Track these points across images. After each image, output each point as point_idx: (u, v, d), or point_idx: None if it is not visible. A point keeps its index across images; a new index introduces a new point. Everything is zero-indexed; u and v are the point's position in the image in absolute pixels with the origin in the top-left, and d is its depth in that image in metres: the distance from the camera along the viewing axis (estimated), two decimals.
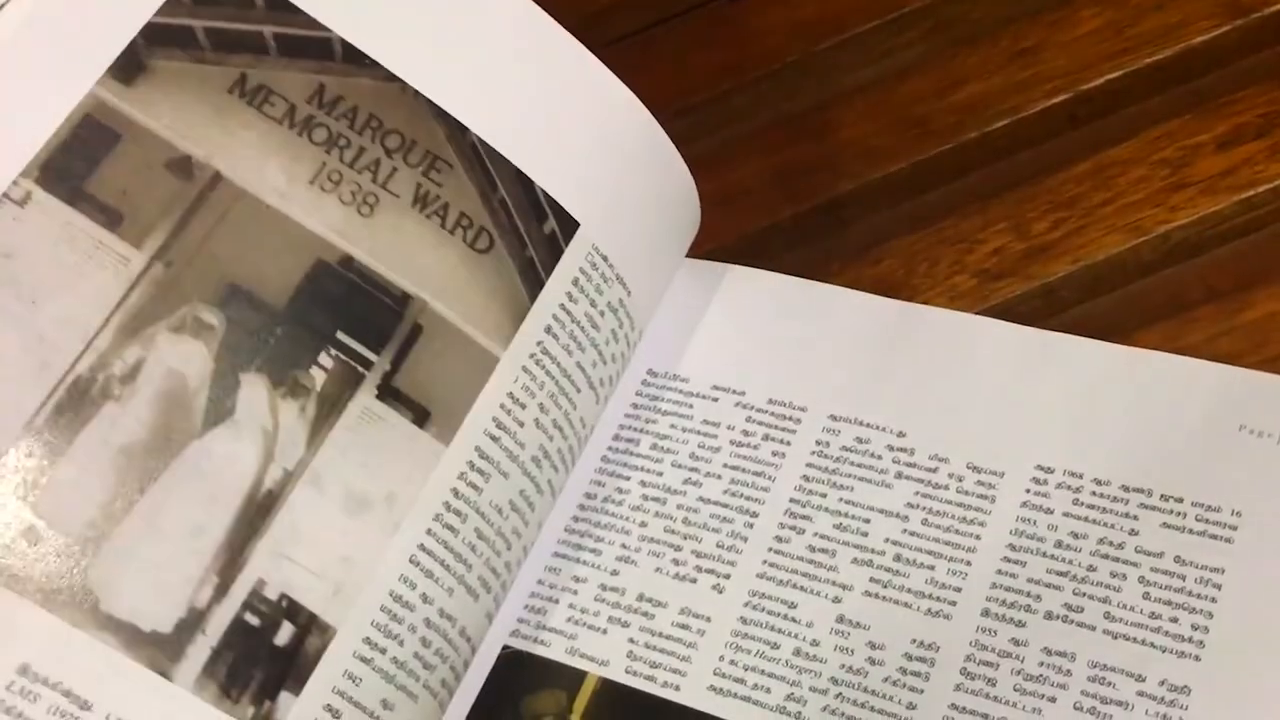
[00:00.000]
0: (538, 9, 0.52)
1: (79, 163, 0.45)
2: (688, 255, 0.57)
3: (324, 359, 0.47)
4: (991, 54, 0.61)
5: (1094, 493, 0.50)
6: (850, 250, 0.58)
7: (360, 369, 0.47)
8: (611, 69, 0.53)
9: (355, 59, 0.49)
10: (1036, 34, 0.61)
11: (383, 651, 0.45)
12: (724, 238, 0.59)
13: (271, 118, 0.48)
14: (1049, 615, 0.48)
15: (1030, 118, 0.59)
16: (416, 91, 0.50)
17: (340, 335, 0.47)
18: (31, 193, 0.45)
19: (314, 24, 0.49)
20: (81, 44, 0.46)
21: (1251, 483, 0.49)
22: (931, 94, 0.61)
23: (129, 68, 0.47)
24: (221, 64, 0.48)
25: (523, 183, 0.51)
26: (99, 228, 0.45)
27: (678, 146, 0.54)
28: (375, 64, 0.50)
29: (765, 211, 0.60)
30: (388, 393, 0.47)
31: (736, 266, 0.58)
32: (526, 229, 0.50)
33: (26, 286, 0.44)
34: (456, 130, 0.50)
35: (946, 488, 0.52)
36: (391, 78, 0.50)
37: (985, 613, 0.49)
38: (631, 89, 0.53)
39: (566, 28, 0.53)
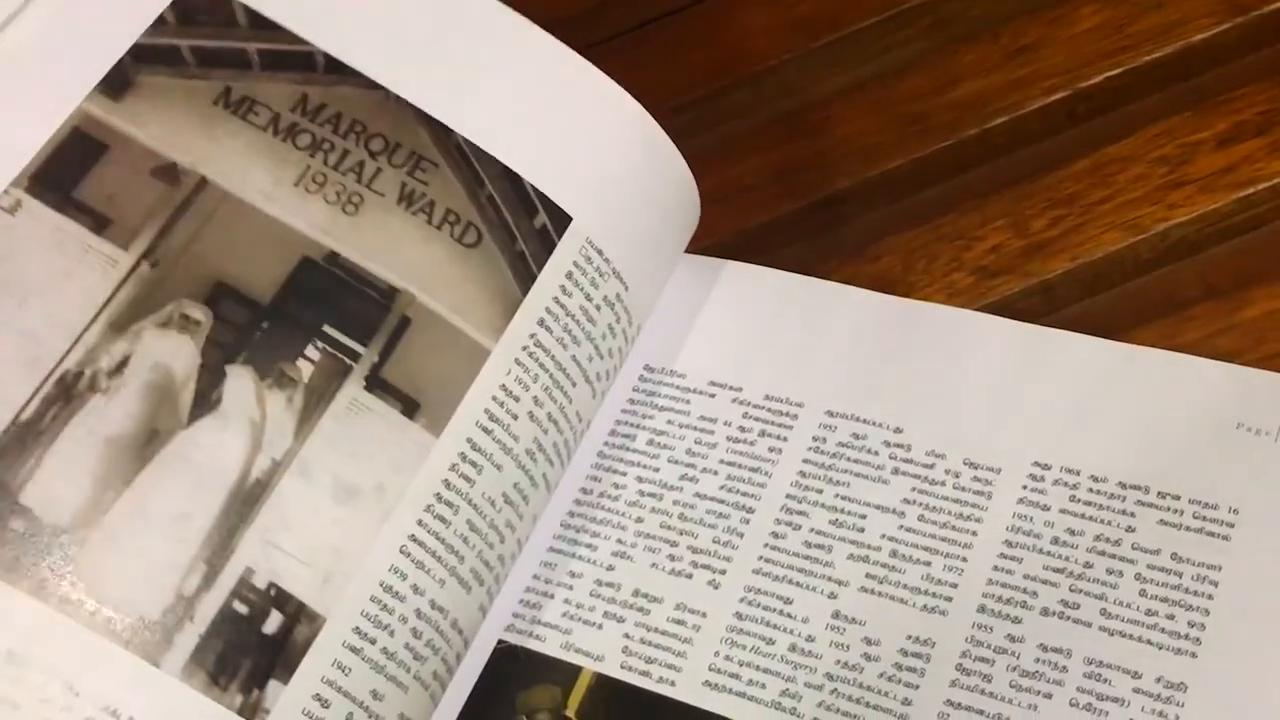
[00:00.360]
0: (516, 13, 0.53)
1: (68, 172, 0.48)
2: (686, 251, 0.57)
3: (310, 351, 0.48)
4: (990, 51, 0.61)
5: (1091, 489, 0.50)
6: (848, 247, 0.58)
7: (348, 361, 0.48)
8: (609, 65, 0.53)
9: (338, 70, 0.51)
10: (1036, 31, 0.61)
11: (373, 642, 0.46)
12: (722, 234, 0.59)
13: (256, 126, 0.50)
14: (1045, 611, 0.48)
15: (1029, 115, 0.59)
16: (399, 97, 0.51)
17: (327, 328, 0.48)
18: (21, 201, 0.47)
19: (296, 39, 0.51)
20: (71, 64, 0.49)
21: (1249, 480, 0.49)
22: (930, 91, 0.61)
23: (117, 84, 0.49)
24: (206, 79, 0.50)
25: (510, 178, 0.51)
26: (87, 232, 0.47)
27: (676, 143, 0.54)
28: (358, 74, 0.51)
29: (764, 208, 0.60)
30: (376, 384, 0.48)
31: (734, 262, 0.58)
32: (516, 223, 0.51)
33: (15, 288, 0.46)
34: (440, 132, 0.51)
35: (943, 484, 0.52)
36: (374, 85, 0.51)
37: (981, 609, 0.49)
38: (630, 85, 0.53)
39: (564, 24, 0.53)
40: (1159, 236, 0.56)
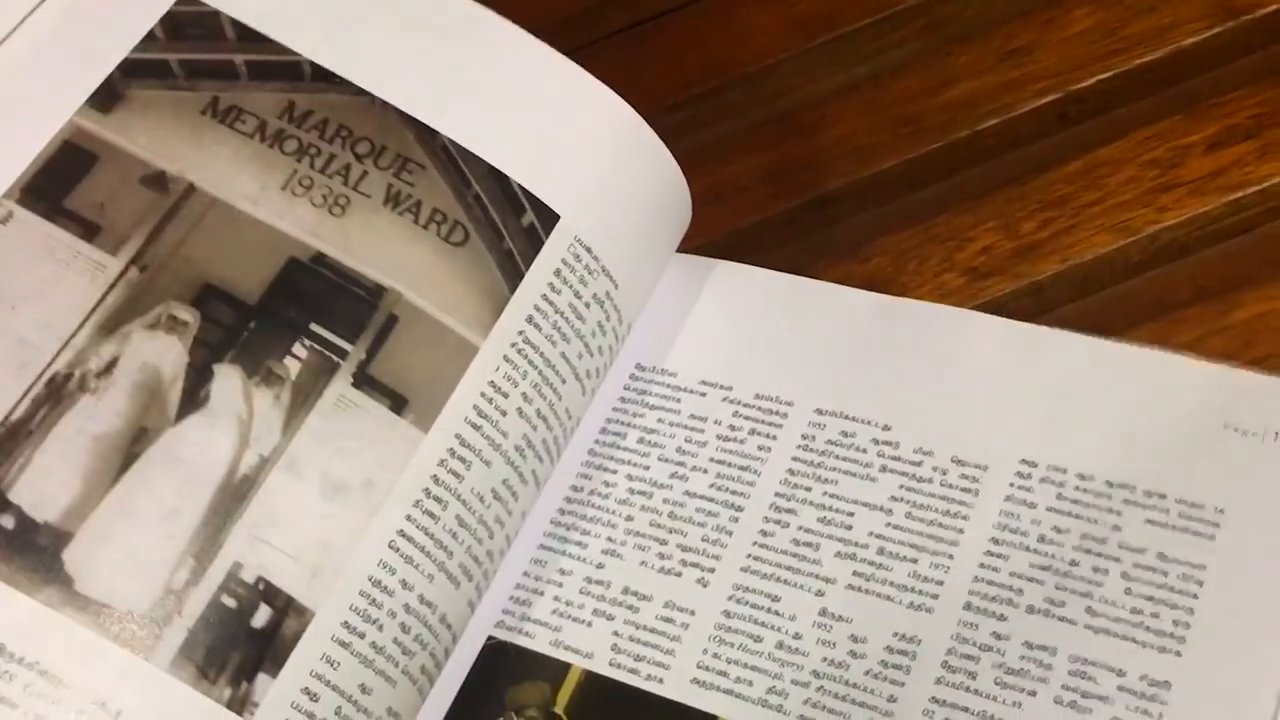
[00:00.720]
0: (500, 17, 0.53)
1: (58, 183, 0.49)
2: (678, 250, 0.58)
3: (298, 349, 0.48)
4: (983, 53, 0.61)
5: (1077, 488, 0.50)
6: (840, 247, 0.59)
7: (335, 358, 0.48)
8: (606, 64, 0.54)
9: (324, 78, 0.52)
10: (1029, 34, 0.61)
11: (361, 636, 0.46)
12: (715, 233, 0.59)
13: (243, 133, 0.51)
14: (1031, 609, 0.48)
15: (1021, 117, 0.60)
16: (385, 102, 0.52)
17: (314, 326, 0.49)
18: (13, 212, 0.48)
19: (282, 49, 0.52)
20: (62, 80, 0.50)
21: (1234, 480, 0.49)
22: (923, 92, 0.61)
23: (107, 97, 0.50)
24: (195, 90, 0.51)
25: (497, 178, 0.52)
26: (77, 239, 0.48)
27: (670, 142, 0.55)
28: (344, 81, 0.52)
29: (756, 207, 0.60)
30: (364, 381, 0.48)
31: (726, 262, 0.58)
32: (503, 222, 0.51)
33: (6, 295, 0.47)
34: (426, 134, 0.52)
35: (930, 481, 0.52)
36: (360, 92, 0.52)
37: (967, 606, 0.49)
38: (625, 84, 0.54)
39: (562, 23, 0.53)
40: (1149, 239, 0.56)
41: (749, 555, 0.52)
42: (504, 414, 0.50)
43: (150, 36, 0.51)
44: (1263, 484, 0.49)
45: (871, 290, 0.57)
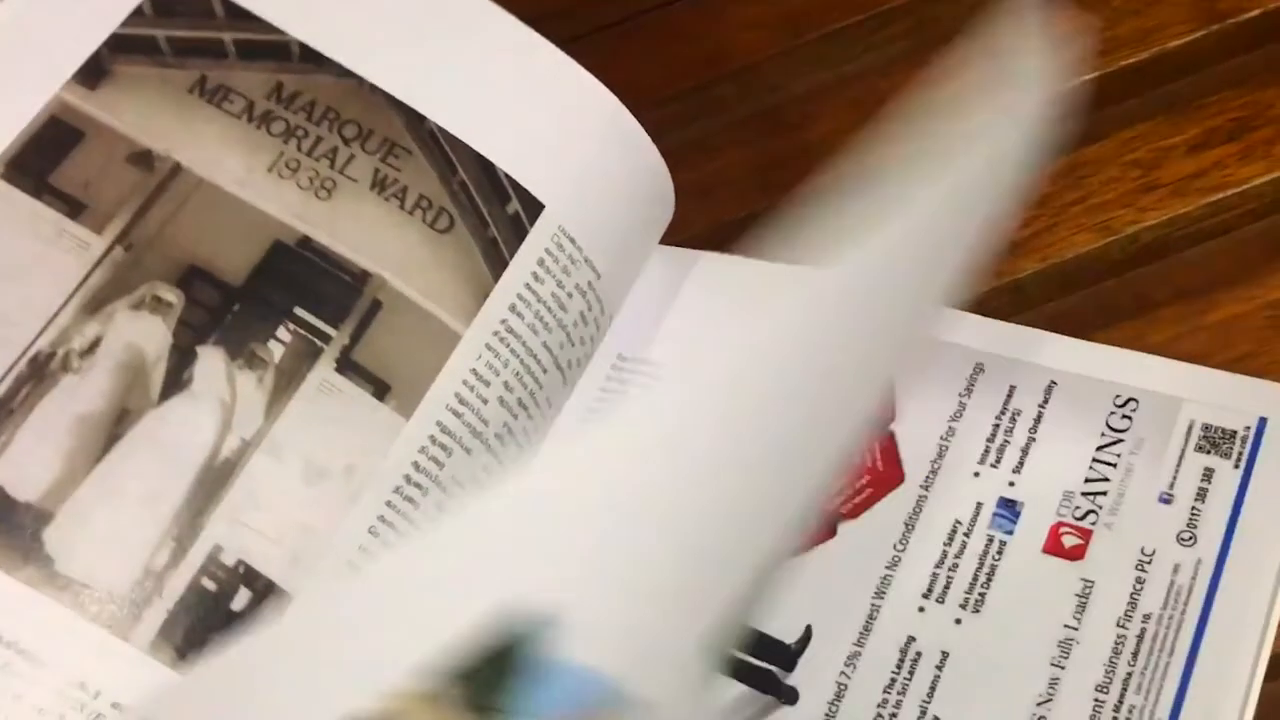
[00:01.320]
0: (494, 5, 0.53)
1: (44, 159, 0.48)
2: (663, 242, 0.58)
3: (282, 333, 0.48)
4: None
5: None
6: None
7: (319, 343, 0.48)
8: (596, 57, 0.54)
9: (313, 59, 0.52)
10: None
11: None
12: (701, 226, 0.59)
13: (230, 113, 0.50)
14: None
15: None
16: (373, 85, 0.52)
17: (298, 310, 0.49)
18: None
19: (272, 29, 0.52)
20: (49, 55, 0.50)
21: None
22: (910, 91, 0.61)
23: (93, 73, 0.50)
24: (182, 68, 0.51)
25: (483, 165, 0.52)
26: (62, 217, 0.48)
27: (658, 136, 0.55)
28: (332, 62, 0.52)
29: (743, 202, 0.60)
30: (347, 366, 0.48)
31: (709, 253, 0.58)
32: (489, 210, 0.51)
33: None
34: (414, 119, 0.52)
35: None
36: (349, 74, 0.52)
37: None
38: (614, 78, 0.54)
39: (553, 16, 0.54)
40: (1129, 239, 0.56)
41: None
42: (485, 402, 0.50)
43: (138, 12, 0.51)
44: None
45: None
